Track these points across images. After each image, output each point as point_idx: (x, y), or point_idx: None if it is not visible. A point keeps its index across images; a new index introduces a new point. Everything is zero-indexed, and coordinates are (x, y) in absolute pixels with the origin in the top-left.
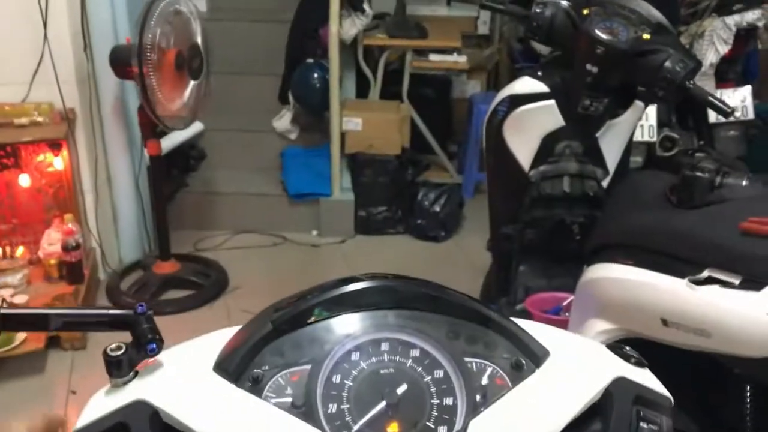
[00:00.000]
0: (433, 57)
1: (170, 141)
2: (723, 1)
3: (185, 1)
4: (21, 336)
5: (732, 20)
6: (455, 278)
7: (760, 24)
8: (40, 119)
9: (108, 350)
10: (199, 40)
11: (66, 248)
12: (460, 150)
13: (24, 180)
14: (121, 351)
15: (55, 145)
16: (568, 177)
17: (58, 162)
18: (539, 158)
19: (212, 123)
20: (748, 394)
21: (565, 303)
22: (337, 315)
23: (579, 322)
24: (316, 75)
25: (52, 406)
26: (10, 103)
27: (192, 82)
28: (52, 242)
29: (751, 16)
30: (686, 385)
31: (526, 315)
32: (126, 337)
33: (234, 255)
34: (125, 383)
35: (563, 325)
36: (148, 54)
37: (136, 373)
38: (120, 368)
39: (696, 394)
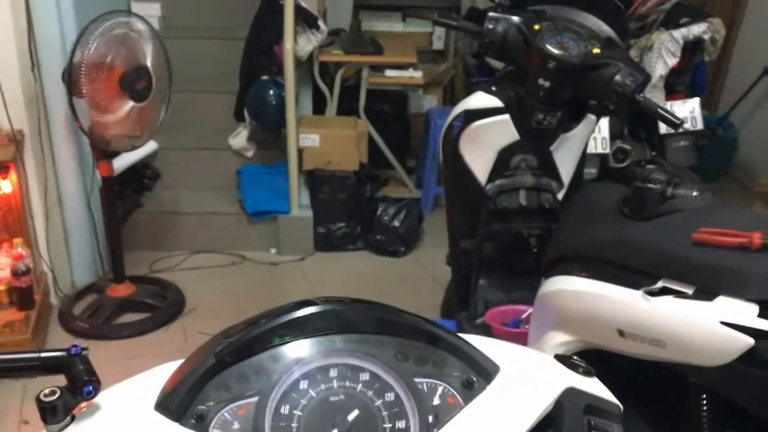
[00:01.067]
0: (389, 72)
1: (123, 161)
2: (670, 16)
3: (135, 20)
4: None
5: (679, 33)
6: (416, 294)
7: (706, 37)
8: None
9: (41, 396)
10: (148, 61)
11: (16, 273)
12: (419, 164)
13: None
14: (56, 396)
15: (2, 168)
16: (524, 190)
17: (5, 185)
18: (495, 172)
19: (167, 142)
20: (705, 403)
21: (524, 316)
22: (283, 343)
23: (538, 335)
24: (271, 92)
25: None
26: None
27: (131, 104)
28: (1, 267)
29: (697, 29)
30: (646, 396)
31: (486, 328)
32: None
33: (191, 275)
34: (61, 430)
35: (523, 337)
36: (82, 73)
37: (73, 417)
38: (55, 414)
39: (655, 404)
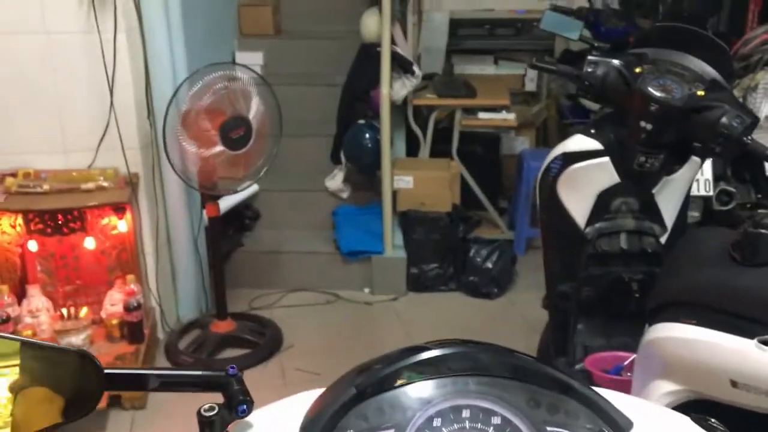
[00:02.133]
0: (481, 115)
1: (227, 202)
2: None
3: (239, 70)
4: None
5: None
6: (510, 337)
7: None
8: (105, 184)
9: (202, 411)
10: (251, 111)
11: (128, 308)
12: (511, 206)
13: (89, 243)
14: (214, 411)
15: (119, 209)
16: (625, 234)
17: (121, 225)
18: (595, 215)
19: (267, 183)
20: None
21: (626, 363)
22: (418, 380)
23: (643, 383)
24: (367, 135)
25: None
26: (78, 169)
27: (225, 151)
28: (114, 303)
29: None
30: None
31: (586, 375)
32: (192, 397)
33: (288, 313)
34: None
35: (626, 385)
36: (183, 120)
37: None
38: (213, 428)
39: None
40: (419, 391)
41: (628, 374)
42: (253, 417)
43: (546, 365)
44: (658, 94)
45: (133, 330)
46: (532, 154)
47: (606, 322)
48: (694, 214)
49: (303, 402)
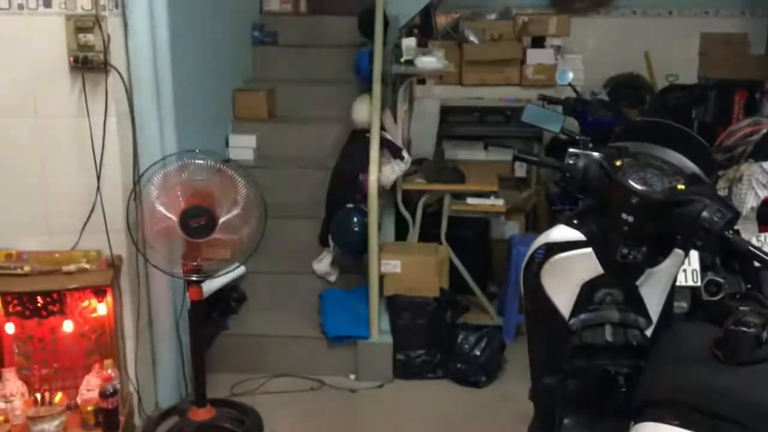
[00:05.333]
0: (470, 200)
1: (211, 284)
2: (758, 147)
3: (219, 161)
4: None
5: None
6: (497, 429)
7: None
8: (87, 266)
9: None
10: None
11: (103, 395)
12: (501, 291)
13: (68, 326)
14: None
15: (100, 291)
16: (610, 326)
17: (101, 308)
18: (579, 306)
19: (254, 265)
20: None
21: None
22: None
23: None
24: (355, 219)
25: None
26: (61, 251)
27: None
28: (90, 388)
29: None
30: None
31: None
32: None
33: (271, 400)
34: None
35: None
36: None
37: None
38: None
39: None
40: None
41: None
42: None
43: None
44: (638, 187)
45: (108, 417)
46: (521, 239)
47: (593, 417)
48: (682, 305)
49: None
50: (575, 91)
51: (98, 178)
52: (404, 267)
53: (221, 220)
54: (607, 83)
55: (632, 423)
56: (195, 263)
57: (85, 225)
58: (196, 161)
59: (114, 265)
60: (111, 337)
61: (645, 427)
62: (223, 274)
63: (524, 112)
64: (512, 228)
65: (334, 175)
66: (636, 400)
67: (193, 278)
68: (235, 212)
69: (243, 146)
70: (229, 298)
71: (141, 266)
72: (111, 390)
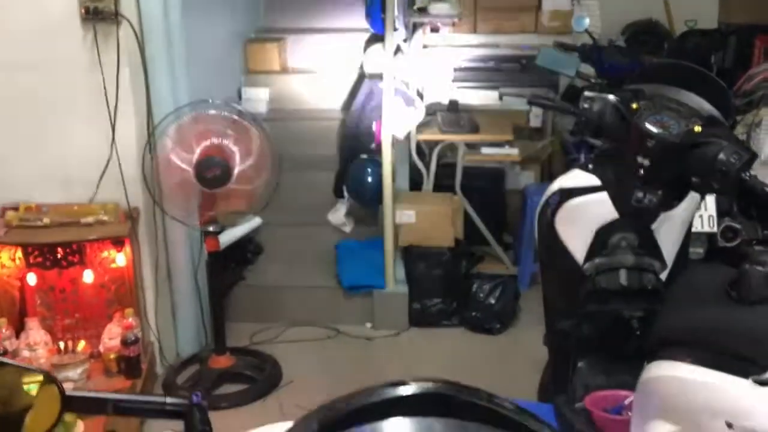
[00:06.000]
0: (485, 150)
1: (228, 236)
2: None
3: (233, 110)
4: (80, 427)
5: None
6: (511, 374)
7: None
8: (105, 218)
9: None
10: (250, 146)
11: (125, 342)
12: (515, 241)
13: (88, 276)
14: None
15: (118, 242)
16: (624, 270)
17: (120, 258)
18: (593, 251)
19: (270, 217)
20: None
21: (626, 402)
22: (384, 419)
23: (641, 423)
24: (369, 170)
25: None
26: (79, 203)
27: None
28: (112, 336)
29: None
30: None
31: (586, 414)
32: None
33: (288, 348)
34: None
35: (625, 425)
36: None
37: None
38: None
39: None
40: (382, 430)
41: (629, 413)
42: None
43: (519, 409)
44: (655, 129)
45: (130, 364)
46: (536, 189)
47: (607, 360)
48: (698, 251)
49: None
50: (592, 38)
51: (113, 129)
52: (419, 217)
53: (236, 170)
54: (624, 30)
55: (646, 363)
56: (211, 213)
57: (101, 177)
58: (210, 112)
59: (132, 217)
60: (131, 288)
61: (658, 366)
62: (239, 225)
63: (539, 56)
64: (527, 178)
65: (347, 126)
66: (650, 342)
67: (210, 229)
68: (249, 162)
69: (256, 98)
70: (246, 250)
71: (158, 218)
72: (132, 338)
